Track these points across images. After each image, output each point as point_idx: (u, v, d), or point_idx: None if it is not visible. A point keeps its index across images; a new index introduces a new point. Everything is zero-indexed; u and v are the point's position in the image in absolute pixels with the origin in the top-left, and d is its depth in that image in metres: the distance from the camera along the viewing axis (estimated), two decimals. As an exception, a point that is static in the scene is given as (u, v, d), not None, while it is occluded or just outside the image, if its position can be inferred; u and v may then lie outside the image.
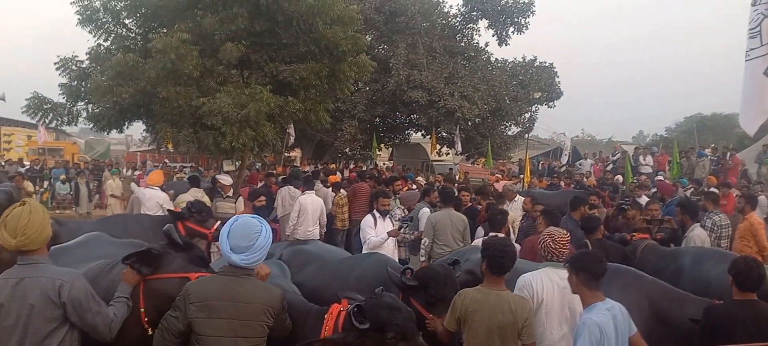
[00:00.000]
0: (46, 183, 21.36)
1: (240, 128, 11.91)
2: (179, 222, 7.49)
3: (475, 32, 29.13)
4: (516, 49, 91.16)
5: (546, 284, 4.49)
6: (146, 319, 3.78)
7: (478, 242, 7.65)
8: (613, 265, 4.74)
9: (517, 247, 7.01)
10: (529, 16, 27.34)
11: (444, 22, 28.49)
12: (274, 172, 16.39)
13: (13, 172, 18.58)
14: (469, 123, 24.76)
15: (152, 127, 14.89)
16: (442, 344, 4.43)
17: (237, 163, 15.88)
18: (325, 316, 3.93)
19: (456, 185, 14.11)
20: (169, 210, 8.62)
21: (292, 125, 16.48)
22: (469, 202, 10.46)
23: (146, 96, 12.12)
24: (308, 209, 10.18)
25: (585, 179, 18.01)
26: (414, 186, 14.19)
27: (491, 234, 7.16)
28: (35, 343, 3.29)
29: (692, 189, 13.85)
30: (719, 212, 8.66)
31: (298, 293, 4.69)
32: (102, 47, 13.66)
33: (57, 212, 17.39)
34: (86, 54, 13.66)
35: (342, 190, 12.80)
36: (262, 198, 9.88)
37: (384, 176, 15.58)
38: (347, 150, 26.66)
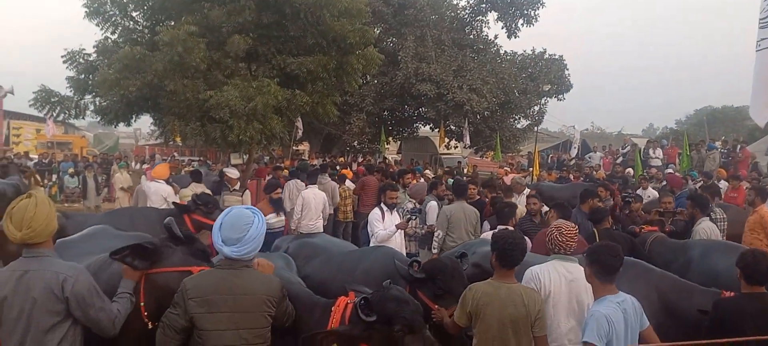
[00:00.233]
0: (54, 176, 21.44)
1: (247, 121, 11.88)
2: (186, 215, 7.52)
3: (484, 24, 29.04)
4: (525, 41, 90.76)
5: (553, 276, 4.46)
6: (146, 313, 3.75)
7: (485, 235, 7.62)
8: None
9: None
10: (538, 7, 27.19)
11: (453, 14, 28.37)
12: (282, 165, 16.39)
13: (25, 165, 18.69)
14: (478, 116, 24.67)
15: (160, 121, 14.89)
16: (448, 338, 4.39)
17: (245, 156, 15.88)
18: (332, 308, 3.90)
19: (466, 178, 14.06)
20: (174, 203, 8.63)
21: (300, 118, 16.45)
22: (476, 195, 10.42)
23: (153, 89, 12.11)
24: (311, 203, 10.16)
25: (594, 172, 17.95)
26: (421, 179, 14.15)
27: (500, 227, 7.14)
28: (38, 336, 3.29)
29: (702, 182, 13.76)
30: (715, 207, 8.61)
31: (303, 285, 4.67)
32: (109, 40, 13.65)
33: (65, 205, 17.44)
34: (93, 47, 13.67)
35: (347, 182, 12.78)
36: (279, 190, 9.88)
37: (392, 170, 15.56)
38: (355, 143, 26.64)
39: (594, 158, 24.00)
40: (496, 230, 6.41)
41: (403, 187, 11.57)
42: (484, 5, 27.87)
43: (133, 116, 14.29)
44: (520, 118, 28.75)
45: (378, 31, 24.13)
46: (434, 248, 8.41)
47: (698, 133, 32.20)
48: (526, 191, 11.07)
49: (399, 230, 8.19)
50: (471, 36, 28.58)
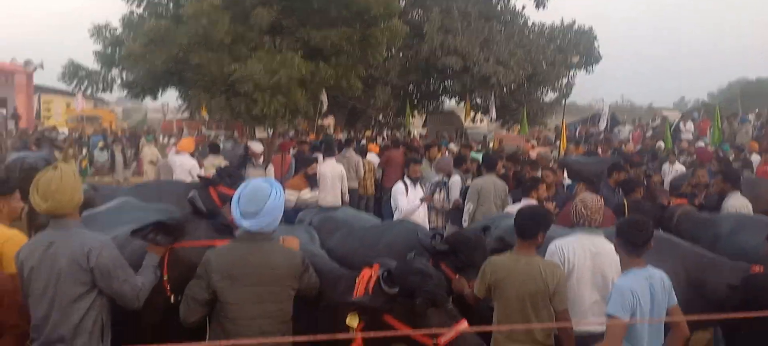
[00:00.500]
0: (84, 150, 21.80)
1: (271, 95, 11.89)
2: (211, 187, 7.57)
3: (511, -6, 28.42)
4: (553, 12, 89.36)
5: (577, 250, 4.41)
6: (169, 286, 3.78)
7: (509, 208, 7.59)
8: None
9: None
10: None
11: (479, -16, 27.86)
12: (307, 139, 16.40)
13: (58, 140, 19.00)
14: (505, 89, 24.36)
15: (186, 94, 15.00)
16: (470, 309, 4.39)
17: (269, 130, 15.91)
18: (356, 280, 3.90)
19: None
20: (199, 176, 8.71)
21: (324, 92, 16.43)
22: (501, 169, 10.35)
23: (179, 63, 12.18)
24: (327, 176, 10.05)
25: (623, 146, 17.68)
26: (447, 153, 14.07)
27: (523, 200, 7.12)
28: (63, 306, 3.35)
29: (733, 155, 13.48)
30: None
31: (327, 258, 4.68)
32: (134, 14, 13.73)
33: (96, 178, 17.74)
34: (119, 21, 13.78)
35: (369, 154, 12.76)
36: (315, 165, 9.87)
37: (416, 144, 15.48)
38: (380, 117, 26.52)
39: (623, 132, 23.65)
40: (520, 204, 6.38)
41: (429, 160, 11.51)
42: (511, -25, 27.32)
43: (160, 90, 14.45)
44: (547, 90, 28.30)
45: (403, 3, 23.84)
46: (465, 221, 8.39)
47: (731, 107, 31.41)
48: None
49: (423, 204, 8.16)
50: (498, 7, 27.99)
